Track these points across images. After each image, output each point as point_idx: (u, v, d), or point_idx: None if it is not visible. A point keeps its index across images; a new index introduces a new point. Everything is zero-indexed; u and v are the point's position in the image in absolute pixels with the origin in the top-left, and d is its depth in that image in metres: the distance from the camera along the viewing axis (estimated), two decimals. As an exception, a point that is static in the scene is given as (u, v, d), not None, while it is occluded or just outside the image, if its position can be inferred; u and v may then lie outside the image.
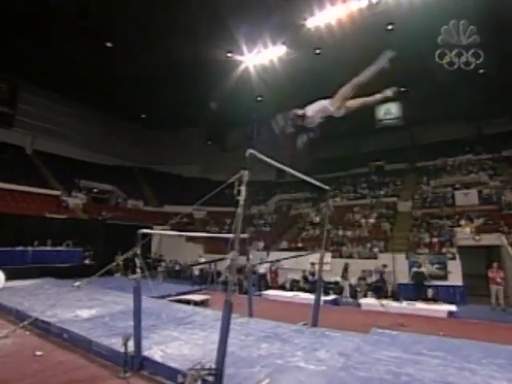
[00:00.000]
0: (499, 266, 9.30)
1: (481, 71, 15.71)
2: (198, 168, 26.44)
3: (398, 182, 18.98)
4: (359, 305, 7.83)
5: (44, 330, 4.88)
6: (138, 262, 4.00)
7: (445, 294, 9.88)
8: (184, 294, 8.57)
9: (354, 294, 11.16)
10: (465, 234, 11.74)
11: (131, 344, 3.75)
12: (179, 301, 7.18)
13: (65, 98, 20.61)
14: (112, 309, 5.93)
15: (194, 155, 25.95)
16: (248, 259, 6.60)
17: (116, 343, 4.02)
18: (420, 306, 7.13)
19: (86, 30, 13.78)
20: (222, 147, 26.20)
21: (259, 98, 19.87)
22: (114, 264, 12.18)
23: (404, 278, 11.15)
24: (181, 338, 4.42)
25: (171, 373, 3.32)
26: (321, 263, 5.73)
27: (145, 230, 4.31)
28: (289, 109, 3.85)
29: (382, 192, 18.23)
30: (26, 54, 15.56)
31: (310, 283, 11.96)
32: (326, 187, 5.71)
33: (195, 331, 4.75)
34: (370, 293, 11.05)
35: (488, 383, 2.89)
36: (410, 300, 9.64)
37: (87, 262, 12.92)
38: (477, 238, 11.43)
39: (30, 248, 11.48)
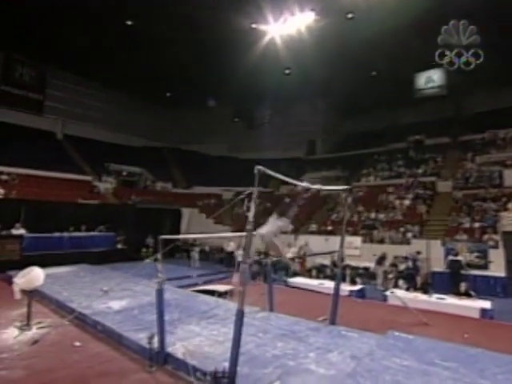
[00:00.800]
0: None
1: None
2: (226, 146, 26.83)
3: (439, 158, 18.12)
4: (385, 298, 7.97)
5: (81, 320, 5.61)
6: (158, 268, 4.41)
7: (484, 286, 9.73)
8: (210, 282, 9.18)
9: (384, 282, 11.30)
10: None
11: (156, 339, 4.28)
12: (204, 291, 7.74)
13: (90, 81, 21.50)
14: (141, 300, 6.60)
15: (221, 133, 26.27)
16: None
17: (143, 338, 4.57)
18: (451, 302, 7.11)
19: (106, 9, 14.14)
20: (249, 124, 26.24)
21: (287, 71, 19.41)
22: (144, 251, 13.21)
23: (439, 266, 11.01)
24: (202, 333, 4.92)
25: (191, 370, 3.78)
26: (340, 257, 5.86)
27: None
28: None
29: (419, 170, 17.56)
30: (51, 40, 16.31)
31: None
32: (345, 187, 5.72)
33: (216, 327, 5.23)
34: (401, 281, 11.11)
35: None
36: (443, 290, 9.68)
37: (119, 246, 14.01)
38: (526, 223, 10.91)
39: (65, 234, 12.63)
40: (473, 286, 9.78)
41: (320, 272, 12.39)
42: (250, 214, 3.78)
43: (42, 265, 9.95)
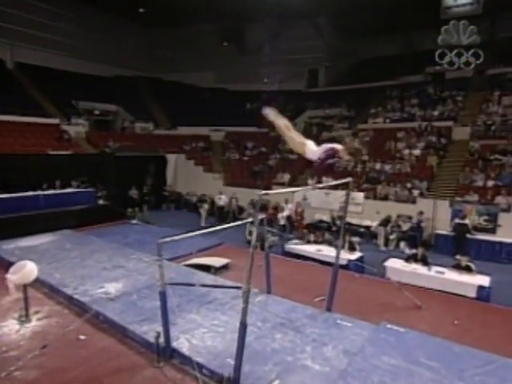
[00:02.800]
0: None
1: None
2: (213, 76, 26.02)
3: (460, 97, 18.12)
4: (384, 269, 8.91)
5: (80, 308, 6.42)
6: (160, 271, 5.01)
7: (488, 251, 10.81)
8: (204, 250, 10.00)
9: (386, 243, 12.38)
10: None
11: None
12: (199, 265, 8.57)
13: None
14: (137, 281, 7.40)
15: (207, 60, 25.24)
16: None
17: (148, 332, 5.41)
18: (449, 277, 8.08)
19: None
20: (240, 49, 25.11)
21: None
22: (130, 210, 13.83)
23: (444, 228, 12.00)
24: (204, 324, 5.77)
25: (197, 367, 4.66)
26: (338, 249, 6.55)
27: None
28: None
29: (435, 112, 17.69)
30: None
31: (338, 228, 13.18)
32: (348, 179, 6.15)
33: (217, 314, 6.09)
34: (402, 243, 12.20)
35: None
36: (446, 254, 10.79)
37: (101, 202, 14.61)
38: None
39: (40, 192, 13.07)
40: (477, 251, 10.93)
41: (318, 229, 13.30)
42: (253, 239, 4.26)
43: (18, 228, 10.75)
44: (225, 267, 8.81)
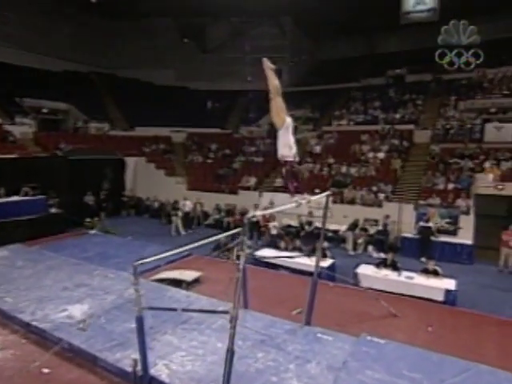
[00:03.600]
0: (514, 230, 10.61)
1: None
2: (173, 73, 25.48)
3: (420, 101, 19.08)
4: (357, 276, 9.17)
5: (40, 336, 5.99)
6: (136, 294, 4.78)
7: (451, 253, 11.47)
8: (172, 262, 9.74)
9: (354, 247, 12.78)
10: (487, 181, 12.75)
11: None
12: (169, 280, 8.33)
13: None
14: (104, 301, 7.03)
15: (166, 56, 24.68)
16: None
17: (121, 359, 5.16)
18: (418, 282, 8.48)
19: None
20: (202, 47, 24.78)
21: None
22: (88, 220, 13.22)
23: (409, 231, 12.58)
24: (181, 346, 5.59)
25: (179, 396, 4.51)
26: (317, 261, 6.64)
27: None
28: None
29: (397, 115, 18.51)
30: None
31: (307, 234, 13.42)
32: (327, 193, 6.25)
33: (194, 335, 5.93)
34: (370, 247, 12.64)
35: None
36: (412, 256, 11.35)
37: (53, 210, 13.79)
38: (500, 186, 12.49)
39: (-14, 202, 12.11)
40: (440, 253, 11.57)
41: (286, 235, 13.44)
42: (241, 263, 4.20)
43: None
44: (196, 281, 8.64)
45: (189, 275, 8.57)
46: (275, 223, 13.94)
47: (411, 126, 17.39)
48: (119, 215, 17.31)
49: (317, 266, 6.48)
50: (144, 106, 21.90)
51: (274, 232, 13.58)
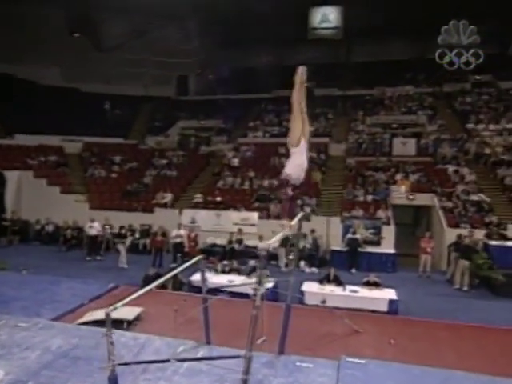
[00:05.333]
0: (431, 236, 12.18)
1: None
2: (59, 72, 23.21)
3: (331, 114, 20.80)
4: (302, 294, 9.48)
5: None
6: (108, 348, 4.16)
7: (377, 262, 12.63)
8: (96, 298, 8.78)
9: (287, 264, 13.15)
10: (400, 192, 14.45)
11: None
12: (101, 322, 7.44)
13: None
14: (26, 361, 5.89)
15: (51, 51, 22.22)
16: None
17: None
18: (363, 295, 9.15)
19: None
20: (96, 44, 23.11)
21: None
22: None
23: (337, 244, 13.50)
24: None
25: None
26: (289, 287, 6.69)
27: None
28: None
29: (311, 128, 19.79)
30: None
31: (238, 253, 13.40)
32: (302, 213, 6.38)
33: (161, 385, 5.40)
34: (302, 262, 13.20)
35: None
36: (342, 269, 12.16)
37: None
38: (411, 197, 14.27)
39: None
40: (368, 263, 12.68)
41: (212, 254, 13.24)
42: (257, 300, 3.99)
43: None
44: (136, 318, 7.92)
45: (128, 312, 7.77)
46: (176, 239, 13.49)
47: (326, 139, 18.78)
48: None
49: (290, 288, 6.51)
50: (25, 110, 19.42)
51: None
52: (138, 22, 22.33)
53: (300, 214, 6.01)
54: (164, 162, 18.79)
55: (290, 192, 4.58)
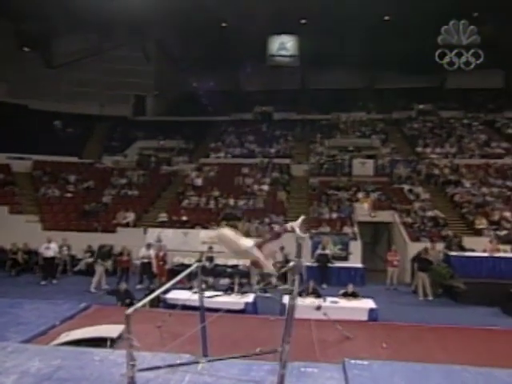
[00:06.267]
0: (396, 249, 12.84)
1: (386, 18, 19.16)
2: (6, 87, 21.97)
3: (290, 137, 21.52)
4: (284, 307, 9.51)
5: None
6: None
7: (346, 277, 13.00)
8: (69, 319, 8.20)
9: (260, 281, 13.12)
10: (363, 210, 15.14)
11: None
12: (85, 340, 6.94)
13: None
14: None
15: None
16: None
17: None
18: (343, 305, 9.39)
19: None
20: (47, 60, 22.25)
21: None
22: None
23: (307, 260, 13.71)
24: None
25: None
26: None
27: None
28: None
29: (273, 150, 20.38)
30: None
31: (209, 271, 13.14)
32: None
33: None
34: (274, 279, 13.24)
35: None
36: (317, 284, 12.37)
37: None
38: (373, 214, 15.00)
39: None
40: (337, 277, 13.03)
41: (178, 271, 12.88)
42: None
43: None
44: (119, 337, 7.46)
45: (110, 330, 7.32)
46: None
47: (287, 160, 19.34)
48: None
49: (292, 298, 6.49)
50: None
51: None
52: (94, 40, 21.93)
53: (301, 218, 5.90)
54: (123, 181, 18.23)
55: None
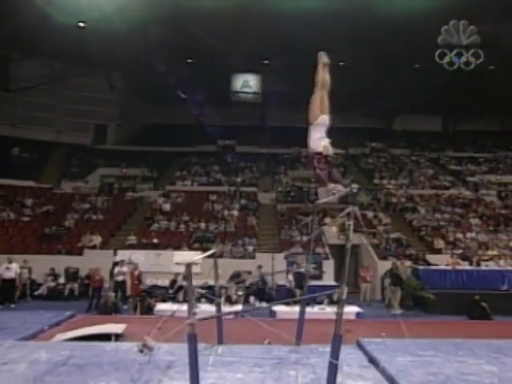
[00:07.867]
0: (368, 266, 13.57)
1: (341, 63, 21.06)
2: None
3: (254, 168, 22.32)
4: (274, 313, 9.72)
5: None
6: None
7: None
8: (56, 325, 7.80)
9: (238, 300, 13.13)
10: (332, 233, 15.91)
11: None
12: (89, 337, 6.64)
13: None
14: (11, 373, 4.86)
15: None
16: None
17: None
18: (331, 310, 9.77)
19: None
20: (4, 84, 21.55)
21: (81, 24, 18.06)
22: None
23: (283, 278, 14.02)
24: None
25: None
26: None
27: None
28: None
29: (239, 179, 20.96)
30: None
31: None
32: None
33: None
34: (252, 297, 13.36)
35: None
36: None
37: None
38: (341, 237, 15.77)
39: None
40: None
41: (153, 296, 12.60)
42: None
43: None
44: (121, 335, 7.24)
45: (115, 327, 7.13)
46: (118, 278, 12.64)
47: (254, 189, 19.96)
48: None
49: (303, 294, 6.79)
50: None
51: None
52: (59, 66, 21.80)
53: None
54: (86, 206, 17.69)
55: (322, 165, 4.61)
